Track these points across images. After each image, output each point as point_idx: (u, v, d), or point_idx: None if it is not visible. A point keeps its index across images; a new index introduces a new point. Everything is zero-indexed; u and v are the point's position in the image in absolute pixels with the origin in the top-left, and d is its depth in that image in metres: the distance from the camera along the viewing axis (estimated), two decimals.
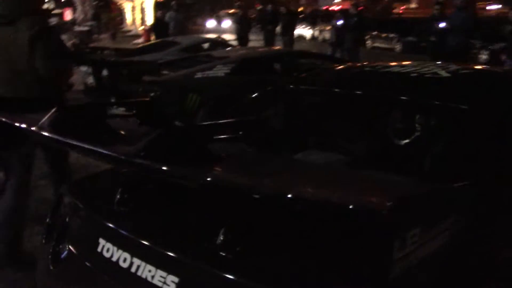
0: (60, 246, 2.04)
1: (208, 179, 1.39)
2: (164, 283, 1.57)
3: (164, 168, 1.43)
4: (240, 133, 2.24)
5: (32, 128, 1.67)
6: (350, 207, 1.14)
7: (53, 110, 1.68)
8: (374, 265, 1.30)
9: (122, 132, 1.89)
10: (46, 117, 1.66)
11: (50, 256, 2.06)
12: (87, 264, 1.85)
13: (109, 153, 1.51)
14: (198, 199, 1.74)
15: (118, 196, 1.92)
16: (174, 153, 1.47)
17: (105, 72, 6.45)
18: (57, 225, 2.12)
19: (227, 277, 1.49)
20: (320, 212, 1.37)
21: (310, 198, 1.31)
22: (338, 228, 1.42)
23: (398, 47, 20.34)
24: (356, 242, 1.37)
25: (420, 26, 19.56)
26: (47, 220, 2.24)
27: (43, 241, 2.23)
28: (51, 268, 2.04)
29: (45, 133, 1.62)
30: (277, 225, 1.56)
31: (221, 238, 1.54)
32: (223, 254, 1.52)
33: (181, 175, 1.45)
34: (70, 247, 1.97)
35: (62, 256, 2.01)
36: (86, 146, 1.52)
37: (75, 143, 1.54)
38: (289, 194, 1.29)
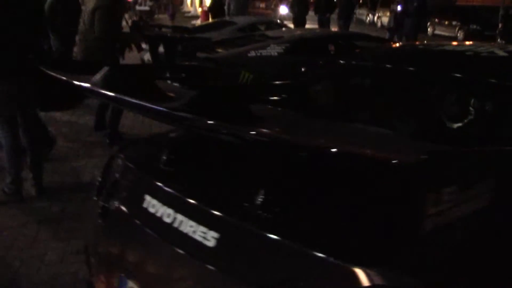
0: (109, 203, 2.14)
1: (253, 133, 1.42)
2: (204, 238, 1.62)
3: (209, 122, 1.47)
4: (285, 96, 2.26)
5: (84, 85, 1.76)
6: (384, 158, 1.14)
7: (106, 68, 1.75)
8: (406, 220, 1.30)
9: (170, 92, 1.95)
10: (98, 75, 1.74)
11: (99, 211, 2.16)
12: (134, 219, 1.93)
13: (156, 107, 1.57)
14: (241, 160, 1.78)
15: (165, 157, 2.00)
16: (220, 109, 1.52)
17: (161, 49, 6.58)
18: (108, 184, 2.22)
19: (265, 235, 1.52)
20: (358, 168, 1.38)
21: (354, 152, 1.31)
22: (375, 185, 1.43)
23: (460, 35, 19.64)
24: (392, 197, 1.37)
25: (486, 13, 18.80)
26: (99, 178, 2.35)
27: (95, 198, 2.34)
28: (100, 222, 2.14)
29: (97, 89, 1.69)
30: (315, 186, 1.58)
31: (261, 198, 1.58)
32: (262, 214, 1.56)
33: (226, 129, 1.49)
34: (119, 203, 2.06)
35: (111, 212, 2.11)
36: (134, 101, 1.58)
37: (124, 98, 1.60)
38: (332, 148, 1.30)
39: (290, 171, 1.62)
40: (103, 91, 1.66)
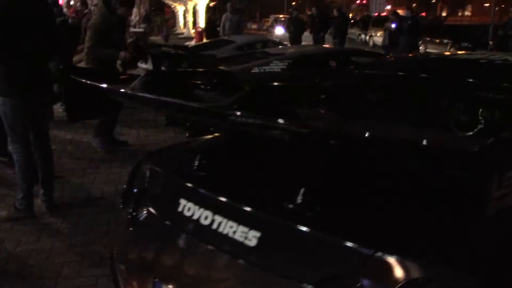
0: (138, 210, 2.16)
1: (303, 129, 1.46)
2: (246, 238, 1.64)
3: (254, 120, 1.50)
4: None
5: (124, 91, 1.79)
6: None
7: (144, 74, 1.79)
8: (473, 202, 1.33)
9: (209, 92, 1.99)
10: (137, 81, 1.77)
11: (129, 218, 2.18)
12: (167, 223, 1.95)
13: (202, 107, 1.60)
14: (273, 161, 1.82)
15: (196, 162, 2.03)
16: (263, 106, 1.55)
17: (164, 66, 6.64)
18: (135, 191, 2.23)
19: (308, 232, 1.55)
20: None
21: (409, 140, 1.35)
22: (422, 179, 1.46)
23: (453, 52, 19.95)
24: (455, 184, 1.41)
25: (476, 31, 19.14)
26: (124, 187, 2.37)
27: (121, 206, 2.35)
28: (131, 229, 2.15)
29: (140, 94, 1.72)
30: (355, 181, 1.62)
31: (302, 196, 1.61)
32: (304, 212, 1.59)
33: (272, 125, 1.52)
34: (150, 209, 2.07)
35: (141, 218, 2.12)
36: (178, 102, 1.62)
37: (169, 100, 1.64)
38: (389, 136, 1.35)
39: (327, 169, 1.65)
40: (145, 95, 1.70)
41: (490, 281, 1.32)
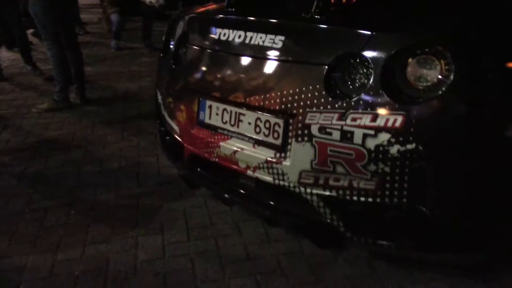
0: (179, 50, 2.59)
1: None
2: (273, 42, 2.07)
3: None
4: None
5: None
6: None
7: None
8: None
9: None
10: None
11: (171, 60, 2.61)
12: (207, 50, 2.38)
13: None
14: None
15: (225, 3, 2.45)
16: None
17: None
18: (176, 38, 2.65)
19: (322, 27, 1.99)
20: None
21: None
22: None
23: None
24: None
25: None
26: (163, 39, 2.79)
27: (161, 55, 2.79)
28: (173, 67, 2.59)
29: None
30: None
31: (315, 5, 2.04)
32: (317, 16, 2.02)
33: None
34: (191, 46, 2.49)
35: (183, 55, 2.55)
36: None
37: None
38: None
39: None
40: None
41: None
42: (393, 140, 1.77)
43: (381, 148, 1.80)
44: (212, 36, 2.36)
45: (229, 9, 2.42)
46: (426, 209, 1.82)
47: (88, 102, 4.67)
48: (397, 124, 1.76)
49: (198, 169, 2.47)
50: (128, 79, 5.57)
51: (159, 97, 2.77)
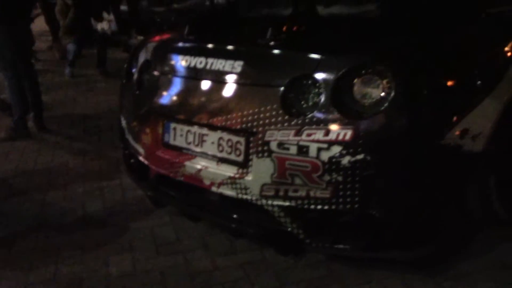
0: (142, 76, 2.74)
1: None
2: (233, 67, 2.26)
3: None
4: None
5: None
6: None
7: None
8: None
9: None
10: None
11: (135, 86, 2.76)
12: (169, 76, 2.55)
13: None
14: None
15: (185, 30, 2.63)
16: None
17: None
18: (137, 64, 2.80)
19: (276, 53, 2.21)
20: None
21: None
22: None
23: None
24: None
25: None
26: (125, 67, 2.94)
27: (123, 81, 2.93)
28: (137, 93, 2.73)
29: None
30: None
31: (270, 33, 2.25)
32: (273, 42, 2.24)
33: None
34: (153, 72, 2.65)
35: (146, 81, 2.71)
36: None
37: None
38: None
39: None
40: None
41: None
42: (344, 152, 1.98)
43: (333, 160, 2.00)
44: (175, 62, 2.54)
45: (189, 37, 2.61)
46: (375, 213, 2.04)
47: (46, 130, 4.71)
48: (347, 137, 1.98)
49: (164, 188, 2.61)
50: (84, 105, 5.63)
51: (123, 121, 2.90)
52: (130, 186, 3.22)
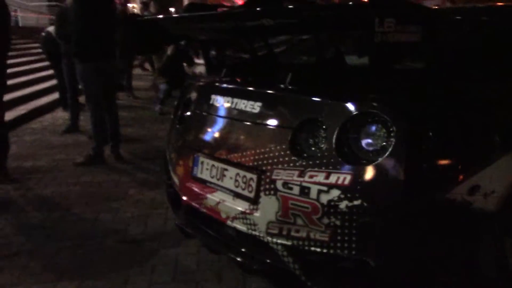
0: (184, 112, 2.95)
1: None
2: (253, 107, 2.39)
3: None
4: None
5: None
6: None
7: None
8: None
9: None
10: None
11: (177, 119, 2.98)
12: (204, 114, 2.73)
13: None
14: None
15: (223, 72, 2.82)
16: None
17: None
18: (183, 102, 3.03)
19: (290, 96, 2.30)
20: None
21: None
22: None
23: None
24: None
25: None
26: (175, 103, 3.18)
27: (172, 116, 3.16)
28: (177, 126, 2.95)
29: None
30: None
31: (289, 78, 2.36)
32: (289, 86, 2.34)
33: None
34: (193, 109, 2.86)
35: (186, 117, 2.91)
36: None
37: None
38: None
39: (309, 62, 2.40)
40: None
41: None
42: (342, 196, 2.00)
43: (332, 203, 2.02)
44: (207, 101, 2.71)
45: (223, 79, 2.79)
46: (371, 261, 2.01)
47: (121, 160, 5.11)
48: (346, 182, 1.99)
49: (191, 219, 2.74)
50: (163, 140, 6.02)
51: (167, 153, 3.11)
52: (173, 215, 3.40)
